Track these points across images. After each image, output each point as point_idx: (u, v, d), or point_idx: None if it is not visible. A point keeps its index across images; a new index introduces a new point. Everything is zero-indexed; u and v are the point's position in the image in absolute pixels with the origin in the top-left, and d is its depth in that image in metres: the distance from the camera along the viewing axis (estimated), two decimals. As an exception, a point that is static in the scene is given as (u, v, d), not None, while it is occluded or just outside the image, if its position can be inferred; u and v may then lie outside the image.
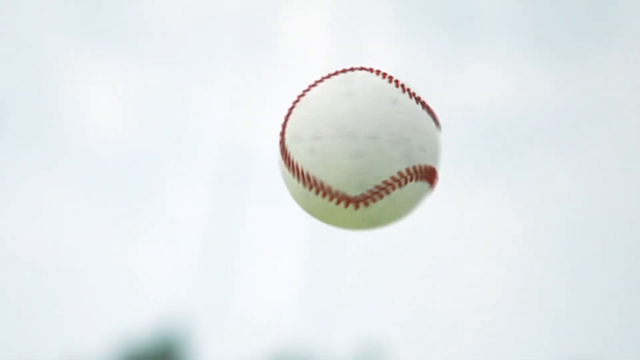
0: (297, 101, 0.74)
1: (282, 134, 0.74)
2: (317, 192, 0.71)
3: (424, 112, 0.74)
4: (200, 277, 9.58)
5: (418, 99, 0.74)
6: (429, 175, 0.74)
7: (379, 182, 0.70)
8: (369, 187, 0.70)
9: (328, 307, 9.05)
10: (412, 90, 0.74)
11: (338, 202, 0.71)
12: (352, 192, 0.70)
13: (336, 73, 0.74)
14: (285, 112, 0.75)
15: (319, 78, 0.74)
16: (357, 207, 0.71)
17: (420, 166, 0.72)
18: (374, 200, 0.71)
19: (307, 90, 0.74)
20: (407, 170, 0.71)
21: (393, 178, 0.71)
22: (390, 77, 0.74)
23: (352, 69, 0.75)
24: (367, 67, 0.75)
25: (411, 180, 0.72)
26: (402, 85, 0.74)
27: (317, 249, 9.32)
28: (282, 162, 0.74)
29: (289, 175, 0.73)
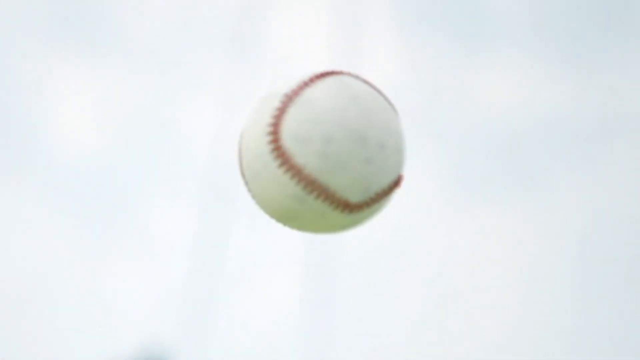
0: (289, 100, 0.71)
1: (275, 133, 0.70)
2: (318, 196, 0.70)
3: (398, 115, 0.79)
4: (183, 300, 9.19)
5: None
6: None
7: (379, 190, 0.72)
8: (371, 194, 0.72)
9: (323, 333, 8.69)
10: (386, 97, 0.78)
11: (336, 208, 0.71)
12: (354, 199, 0.71)
13: (323, 75, 0.73)
14: (269, 111, 0.71)
15: (306, 78, 0.73)
16: (351, 212, 0.71)
17: (402, 174, 0.77)
18: (369, 207, 0.72)
19: (300, 89, 0.72)
20: (398, 178, 0.75)
21: (389, 186, 0.73)
22: (371, 84, 0.76)
23: (338, 72, 0.75)
24: (346, 71, 0.77)
25: (396, 187, 0.76)
26: (382, 93, 0.77)
27: (311, 270, 8.93)
28: (273, 163, 0.70)
29: (284, 177, 0.70)
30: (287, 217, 0.74)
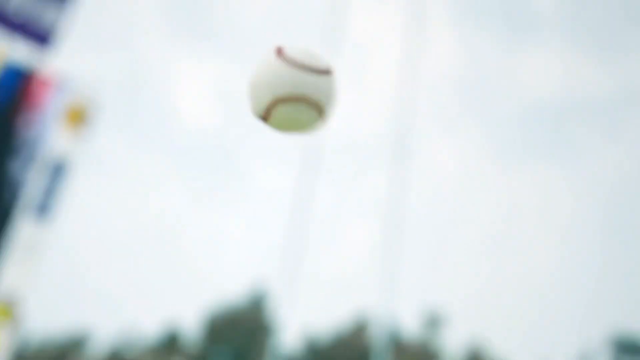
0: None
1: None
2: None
3: None
4: (282, 245, 10.15)
5: None
6: None
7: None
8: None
9: (396, 276, 9.51)
10: None
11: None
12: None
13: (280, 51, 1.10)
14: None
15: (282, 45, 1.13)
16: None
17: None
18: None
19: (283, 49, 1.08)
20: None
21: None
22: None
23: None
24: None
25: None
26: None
27: (384, 225, 9.74)
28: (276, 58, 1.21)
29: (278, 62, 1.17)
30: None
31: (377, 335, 11.17)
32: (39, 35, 9.48)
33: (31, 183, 9.03)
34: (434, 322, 30.75)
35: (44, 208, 9.11)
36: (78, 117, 9.56)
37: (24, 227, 8.96)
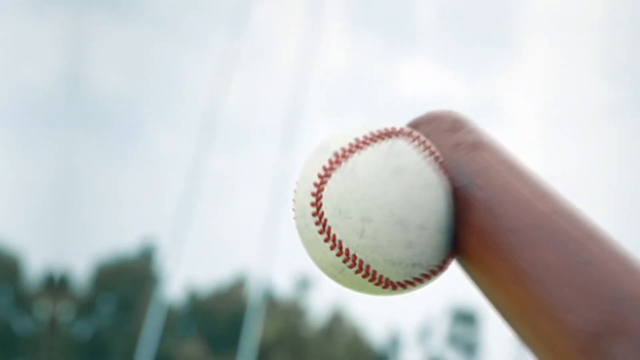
0: (336, 162, 0.61)
1: (319, 197, 0.60)
2: (358, 272, 0.60)
3: (448, 188, 0.62)
4: (176, 204, 10.34)
5: (447, 173, 0.63)
6: None
7: (425, 271, 0.61)
8: (416, 275, 0.61)
9: (275, 242, 9.87)
10: (443, 163, 0.63)
11: (377, 284, 0.61)
12: (395, 279, 0.61)
13: (380, 136, 0.62)
14: (317, 168, 0.61)
15: (360, 137, 0.61)
16: (394, 289, 0.61)
17: (448, 256, 0.63)
18: (413, 286, 0.62)
19: (350, 151, 0.61)
20: (443, 261, 0.62)
21: (437, 267, 0.62)
22: (427, 147, 0.63)
23: (394, 132, 0.63)
24: (406, 129, 0.64)
25: (441, 270, 0.63)
26: (437, 158, 0.63)
27: (269, 194, 10.05)
28: (314, 229, 0.60)
29: (324, 245, 0.60)
30: (331, 277, 0.63)
31: (253, 291, 11.30)
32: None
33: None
34: (304, 284, 31.71)
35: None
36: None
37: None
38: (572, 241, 0.51)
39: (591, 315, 0.47)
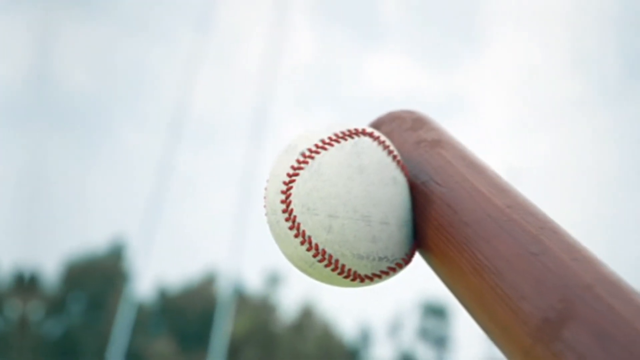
0: (304, 162, 0.63)
1: (288, 195, 0.63)
2: (328, 265, 0.63)
3: (407, 185, 0.66)
4: (145, 201, 10.29)
5: (405, 171, 0.66)
6: None
7: (391, 264, 0.64)
8: (382, 268, 0.64)
9: (244, 238, 9.86)
10: (401, 162, 0.66)
11: (346, 277, 0.63)
12: (363, 272, 0.64)
13: (344, 137, 0.65)
14: (286, 168, 0.64)
15: (325, 137, 0.64)
16: (361, 281, 0.64)
17: (412, 248, 0.66)
18: (380, 278, 0.65)
19: (315, 152, 0.64)
20: (412, 249, 0.66)
21: (403, 259, 0.65)
22: (386, 146, 0.66)
23: (357, 132, 0.65)
24: (368, 130, 0.66)
25: (406, 263, 0.66)
26: (396, 157, 0.66)
27: (239, 191, 10.03)
28: (285, 225, 0.63)
29: (295, 240, 0.63)
30: (302, 271, 0.65)
31: (223, 288, 11.27)
32: None
33: None
34: (274, 280, 31.66)
35: None
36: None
37: None
38: (525, 233, 0.54)
39: (542, 302, 0.49)
